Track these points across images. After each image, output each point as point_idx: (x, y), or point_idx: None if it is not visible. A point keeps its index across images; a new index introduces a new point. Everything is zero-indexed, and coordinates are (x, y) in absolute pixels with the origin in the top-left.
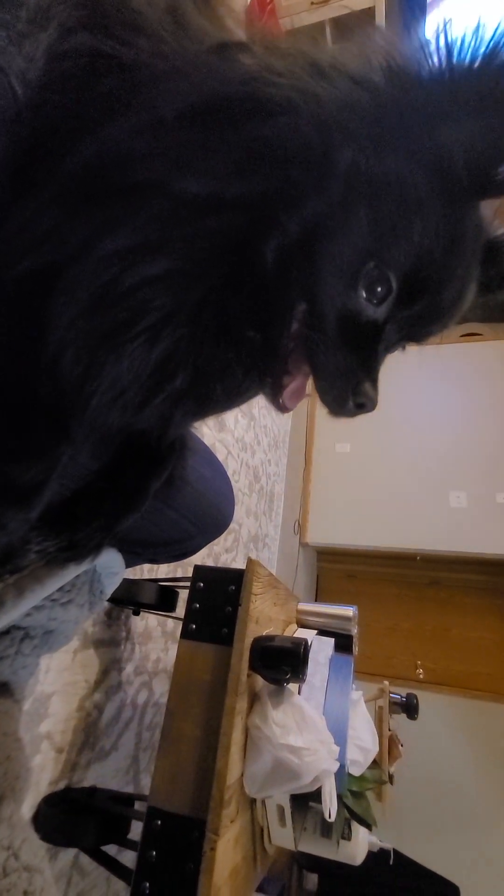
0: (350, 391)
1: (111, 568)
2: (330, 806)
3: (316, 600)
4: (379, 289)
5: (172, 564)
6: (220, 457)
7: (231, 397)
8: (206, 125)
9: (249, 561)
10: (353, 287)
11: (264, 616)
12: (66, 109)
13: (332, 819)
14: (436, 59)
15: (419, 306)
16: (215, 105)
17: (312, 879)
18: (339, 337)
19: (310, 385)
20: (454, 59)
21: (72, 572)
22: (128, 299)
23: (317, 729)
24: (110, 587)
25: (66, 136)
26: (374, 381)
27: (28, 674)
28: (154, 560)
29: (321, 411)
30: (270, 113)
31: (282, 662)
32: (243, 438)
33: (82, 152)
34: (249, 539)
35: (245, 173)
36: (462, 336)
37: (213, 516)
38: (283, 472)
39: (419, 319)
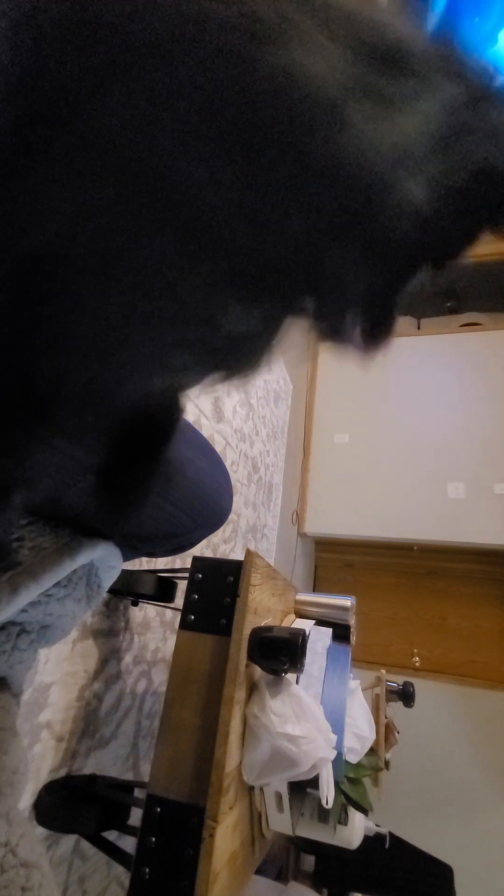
0: None
1: (108, 562)
2: (327, 793)
3: (314, 590)
4: None
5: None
6: (219, 448)
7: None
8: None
9: (248, 552)
10: None
11: (263, 607)
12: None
13: (329, 806)
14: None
15: None
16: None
17: (309, 861)
18: None
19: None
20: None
21: (67, 568)
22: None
23: (314, 718)
24: (108, 581)
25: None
26: None
27: (25, 668)
28: (152, 553)
29: (320, 402)
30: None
31: (280, 653)
32: (242, 429)
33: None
34: (248, 529)
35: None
36: (462, 326)
37: (211, 509)
38: (281, 463)
39: None
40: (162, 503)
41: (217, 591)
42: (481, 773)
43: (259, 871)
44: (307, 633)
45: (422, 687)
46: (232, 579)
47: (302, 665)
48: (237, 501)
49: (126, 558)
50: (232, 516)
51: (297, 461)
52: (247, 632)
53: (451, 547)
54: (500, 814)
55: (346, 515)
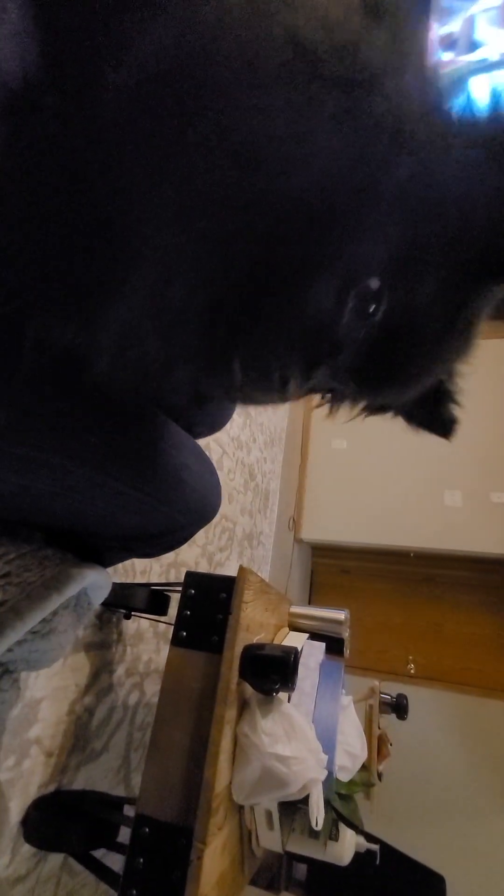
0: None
1: (98, 583)
2: (317, 815)
3: (310, 595)
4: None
5: (164, 567)
6: (215, 456)
7: None
8: None
9: (241, 569)
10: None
11: (255, 623)
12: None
13: (319, 828)
14: (466, 100)
15: (381, 359)
16: None
17: (302, 869)
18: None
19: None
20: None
21: (55, 602)
22: None
23: (305, 738)
24: (98, 599)
25: None
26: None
27: (7, 708)
28: (147, 554)
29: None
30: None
31: (271, 671)
32: (239, 437)
33: None
34: (244, 537)
35: None
36: None
37: (203, 507)
38: (278, 470)
39: (373, 371)
40: (159, 506)
41: (209, 608)
42: (475, 781)
43: (251, 882)
44: (299, 650)
45: (417, 694)
46: (224, 595)
47: (293, 684)
48: (233, 509)
49: (122, 559)
50: (227, 524)
51: (294, 467)
52: (239, 649)
53: (447, 555)
54: (494, 823)
55: (343, 522)
